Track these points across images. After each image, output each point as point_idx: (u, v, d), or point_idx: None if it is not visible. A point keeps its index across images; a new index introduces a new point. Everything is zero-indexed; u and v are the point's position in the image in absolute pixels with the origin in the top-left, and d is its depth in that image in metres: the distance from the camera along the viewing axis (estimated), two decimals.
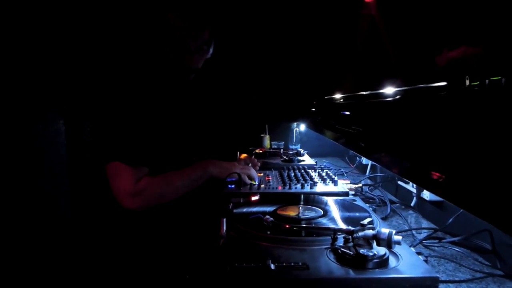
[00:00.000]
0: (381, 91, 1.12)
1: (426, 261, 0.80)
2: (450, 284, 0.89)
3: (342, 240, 0.82)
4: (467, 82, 0.67)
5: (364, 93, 1.31)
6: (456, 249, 1.08)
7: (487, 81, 0.61)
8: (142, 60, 1.28)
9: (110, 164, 1.11)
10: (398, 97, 1.01)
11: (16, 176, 2.00)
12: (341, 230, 0.83)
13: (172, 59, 1.26)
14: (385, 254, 0.77)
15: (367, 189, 1.73)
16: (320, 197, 1.25)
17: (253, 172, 1.43)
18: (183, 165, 1.29)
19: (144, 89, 1.19)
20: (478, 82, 0.64)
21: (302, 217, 1.06)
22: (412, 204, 1.50)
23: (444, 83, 0.78)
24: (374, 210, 1.42)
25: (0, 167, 1.95)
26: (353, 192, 1.43)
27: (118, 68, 1.23)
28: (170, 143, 1.31)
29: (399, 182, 1.66)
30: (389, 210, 1.42)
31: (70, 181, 1.23)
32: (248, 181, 1.39)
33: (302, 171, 1.67)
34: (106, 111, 1.14)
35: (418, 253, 0.83)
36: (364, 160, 2.18)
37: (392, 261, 0.78)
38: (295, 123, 2.65)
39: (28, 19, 2.03)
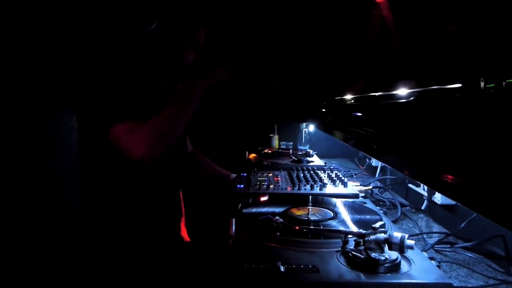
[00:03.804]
0: (394, 92, 1.11)
1: (439, 266, 0.79)
2: None
3: (353, 243, 0.81)
4: (482, 84, 0.66)
5: (376, 94, 1.30)
6: (468, 254, 1.06)
7: (503, 83, 0.60)
8: (140, 58, 1.28)
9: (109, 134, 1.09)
10: (411, 98, 0.99)
11: (30, 173, 2.04)
12: (352, 233, 0.82)
13: (168, 56, 1.27)
14: (397, 258, 0.76)
15: (377, 192, 1.71)
16: (330, 198, 1.23)
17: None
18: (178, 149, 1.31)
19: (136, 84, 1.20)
20: (493, 84, 0.63)
21: (312, 219, 1.05)
22: (423, 208, 1.48)
23: (459, 85, 0.77)
24: (385, 213, 1.40)
25: (14, 163, 1.99)
26: (363, 194, 1.41)
27: (118, 67, 1.23)
28: None
29: (410, 185, 1.64)
30: (399, 213, 1.40)
31: (82, 178, 1.23)
32: None
33: (312, 172, 1.66)
34: (105, 102, 1.13)
35: (431, 258, 0.81)
36: (374, 162, 2.16)
37: (404, 266, 0.76)
38: (304, 124, 2.63)
39: (43, 22, 2.07)
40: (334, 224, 1.00)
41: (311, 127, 2.70)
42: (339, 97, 1.97)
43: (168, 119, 1.11)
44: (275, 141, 2.54)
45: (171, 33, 1.24)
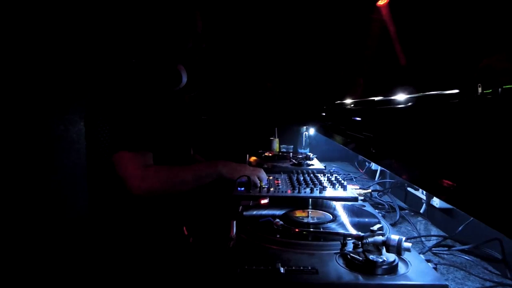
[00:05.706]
0: (392, 97, 1.13)
1: (435, 268, 0.80)
2: None
3: (352, 245, 0.83)
4: (480, 90, 0.67)
5: (375, 99, 1.32)
6: (465, 257, 1.07)
7: (500, 89, 0.62)
8: (146, 60, 1.31)
9: (116, 155, 1.14)
10: (409, 104, 1.01)
11: (39, 175, 2.07)
12: (350, 235, 0.84)
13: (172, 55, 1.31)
14: (394, 260, 0.78)
15: (376, 195, 1.73)
16: (329, 201, 1.25)
17: (263, 174, 1.44)
18: (182, 154, 1.33)
19: (143, 88, 1.22)
20: (490, 90, 0.64)
21: (311, 221, 1.06)
22: (421, 211, 1.50)
23: (457, 91, 0.78)
24: (383, 216, 1.42)
25: (24, 165, 2.02)
26: (362, 198, 1.43)
27: (124, 70, 1.25)
28: (169, 132, 1.33)
29: (409, 189, 1.66)
30: (398, 217, 1.42)
31: (88, 181, 1.26)
32: (258, 182, 1.40)
33: (312, 175, 1.67)
34: (111, 108, 1.17)
35: (428, 261, 0.83)
36: (373, 166, 2.18)
37: (401, 268, 0.78)
38: (305, 127, 2.65)
39: (53, 29, 2.11)
40: (333, 226, 1.01)
41: (312, 131, 2.73)
42: (339, 101, 1.99)
43: (183, 177, 1.21)
44: (276, 144, 2.56)
45: (163, 13, 1.27)
